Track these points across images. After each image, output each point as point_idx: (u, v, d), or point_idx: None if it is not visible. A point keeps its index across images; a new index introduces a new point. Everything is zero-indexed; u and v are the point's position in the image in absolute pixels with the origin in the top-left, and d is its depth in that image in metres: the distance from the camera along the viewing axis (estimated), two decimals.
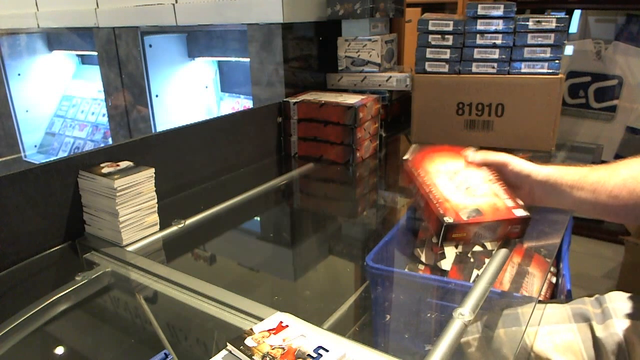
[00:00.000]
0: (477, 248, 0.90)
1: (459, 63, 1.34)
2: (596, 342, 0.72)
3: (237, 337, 0.53)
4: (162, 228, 0.92)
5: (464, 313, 0.60)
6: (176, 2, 1.58)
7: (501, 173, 0.80)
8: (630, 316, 0.73)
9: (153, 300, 0.76)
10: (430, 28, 1.34)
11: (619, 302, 0.76)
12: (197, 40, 1.93)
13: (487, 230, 0.72)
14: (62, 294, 0.73)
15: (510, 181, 0.79)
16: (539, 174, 0.76)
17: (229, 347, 0.52)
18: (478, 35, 1.30)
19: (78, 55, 2.58)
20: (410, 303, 0.76)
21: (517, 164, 0.79)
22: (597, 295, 0.81)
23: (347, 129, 1.25)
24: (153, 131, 1.88)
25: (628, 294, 0.79)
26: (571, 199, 0.73)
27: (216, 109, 2.10)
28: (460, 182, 0.79)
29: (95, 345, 0.70)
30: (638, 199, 0.69)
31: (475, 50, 1.31)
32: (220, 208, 1.03)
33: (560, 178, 0.74)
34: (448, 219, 0.70)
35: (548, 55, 1.27)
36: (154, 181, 0.89)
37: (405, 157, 0.88)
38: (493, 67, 1.31)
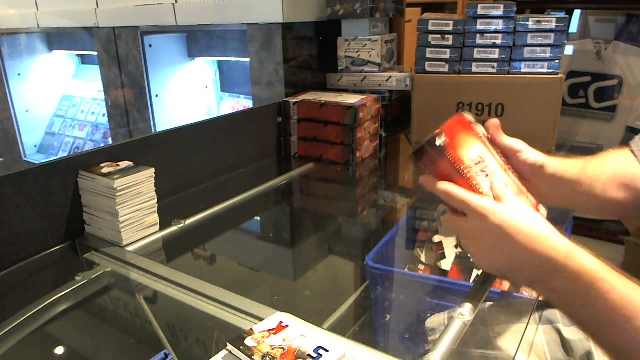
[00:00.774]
0: None
1: (459, 63, 1.34)
2: (565, 344, 0.72)
3: (237, 337, 0.53)
4: (162, 228, 0.92)
5: (464, 313, 0.60)
6: (176, 2, 1.58)
7: (510, 160, 0.73)
8: None
9: (153, 300, 0.76)
10: (430, 28, 1.34)
11: None
12: (197, 40, 1.93)
13: None
14: (62, 294, 0.73)
15: (520, 172, 0.73)
16: (550, 166, 0.71)
17: (229, 347, 0.52)
18: (478, 35, 1.30)
19: (78, 55, 2.58)
20: (410, 303, 0.77)
21: (532, 154, 0.72)
22: None
23: (347, 129, 1.25)
24: (153, 131, 1.88)
25: None
26: (570, 195, 0.73)
27: (216, 109, 2.10)
28: (490, 175, 0.67)
29: (95, 345, 0.70)
30: (627, 191, 0.69)
31: (475, 50, 1.31)
32: (220, 208, 1.03)
33: (564, 172, 0.72)
34: None
35: (548, 55, 1.27)
36: (154, 181, 0.89)
37: (438, 143, 0.63)
38: (493, 67, 1.31)
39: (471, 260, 0.68)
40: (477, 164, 0.65)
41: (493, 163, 0.67)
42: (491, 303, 0.72)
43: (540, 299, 0.76)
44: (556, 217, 0.95)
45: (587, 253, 0.53)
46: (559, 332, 0.73)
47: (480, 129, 0.69)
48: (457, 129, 0.67)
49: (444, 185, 0.62)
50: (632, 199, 0.70)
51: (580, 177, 0.71)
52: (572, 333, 0.72)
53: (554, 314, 0.76)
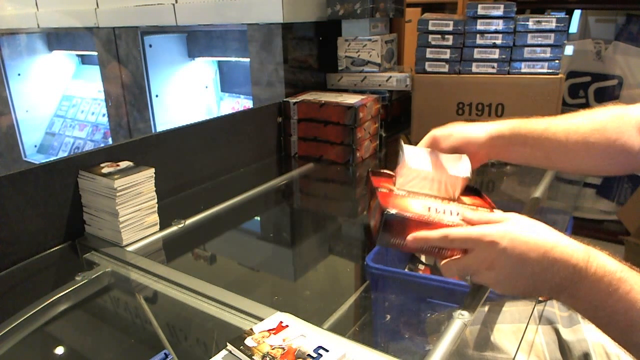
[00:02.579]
0: None
1: (459, 63, 1.34)
2: (563, 345, 0.72)
3: (237, 337, 0.53)
4: (162, 228, 0.92)
5: (464, 313, 0.60)
6: (176, 2, 1.58)
7: (439, 149, 0.74)
8: None
9: (153, 300, 0.76)
10: (430, 28, 1.34)
11: None
12: (197, 40, 1.93)
13: None
14: (62, 294, 0.73)
15: (456, 151, 0.74)
16: (479, 138, 0.73)
17: (229, 347, 0.52)
18: (478, 35, 1.30)
19: (78, 55, 2.58)
20: (410, 303, 0.76)
21: (453, 138, 0.72)
22: None
23: (347, 129, 1.25)
24: (153, 131, 1.88)
25: None
26: (524, 156, 0.74)
27: (216, 109, 2.10)
28: (446, 211, 0.65)
29: (95, 345, 0.70)
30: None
31: (475, 50, 1.31)
32: (220, 208, 1.03)
33: (510, 136, 0.73)
34: None
35: (548, 55, 1.27)
36: (154, 181, 0.89)
37: (394, 212, 0.62)
38: (493, 67, 1.31)
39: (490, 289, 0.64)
40: (429, 210, 0.64)
41: (437, 203, 0.66)
42: (491, 303, 0.73)
43: (540, 299, 0.76)
44: (556, 218, 0.96)
45: (604, 254, 0.52)
46: (557, 332, 0.74)
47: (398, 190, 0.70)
48: (389, 199, 0.67)
49: (438, 232, 0.58)
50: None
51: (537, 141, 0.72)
52: (570, 334, 0.72)
53: (554, 314, 0.76)
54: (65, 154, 1.92)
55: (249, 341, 0.52)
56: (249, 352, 0.51)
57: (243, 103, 2.02)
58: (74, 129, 2.54)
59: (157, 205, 0.90)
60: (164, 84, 1.91)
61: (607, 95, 2.01)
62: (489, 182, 1.20)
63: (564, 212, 0.97)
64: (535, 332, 0.75)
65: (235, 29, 1.72)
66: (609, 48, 1.98)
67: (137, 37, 1.78)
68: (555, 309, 0.78)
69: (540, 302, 0.80)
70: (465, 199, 0.70)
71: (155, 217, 0.90)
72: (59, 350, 0.68)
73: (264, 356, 0.50)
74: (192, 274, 0.76)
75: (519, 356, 0.68)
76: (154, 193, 0.89)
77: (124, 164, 0.89)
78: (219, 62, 2.05)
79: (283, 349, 0.51)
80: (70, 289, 0.74)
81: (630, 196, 1.99)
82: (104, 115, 2.40)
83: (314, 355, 0.50)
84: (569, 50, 2.05)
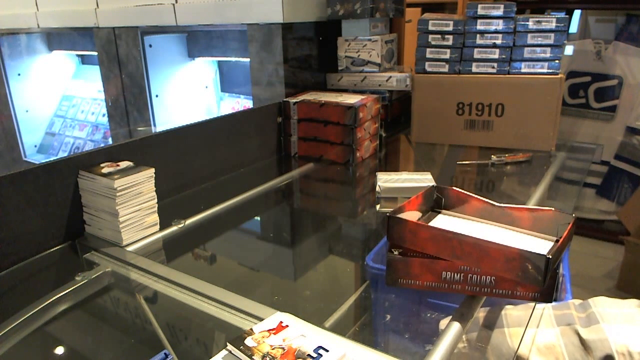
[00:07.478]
0: None
1: (459, 63, 1.34)
2: (584, 345, 0.73)
3: (237, 337, 0.53)
4: (162, 228, 0.92)
5: (464, 313, 0.60)
6: (176, 2, 1.58)
7: None
8: (618, 321, 0.73)
9: (153, 300, 0.75)
10: (430, 28, 1.34)
11: (604, 307, 0.76)
12: (197, 40, 1.93)
13: None
14: (62, 294, 0.73)
15: None
16: None
17: (229, 347, 0.52)
18: (478, 35, 1.30)
19: (78, 55, 2.58)
20: (410, 303, 0.76)
21: None
22: (581, 301, 0.81)
23: (347, 129, 1.25)
24: (153, 131, 1.88)
25: (612, 299, 0.79)
26: None
27: (216, 109, 2.10)
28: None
29: (95, 345, 0.70)
30: None
31: (475, 50, 1.31)
32: (220, 208, 1.03)
33: None
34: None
35: (548, 55, 1.27)
36: (154, 181, 0.89)
37: (396, 253, 0.63)
38: (493, 67, 1.31)
39: None
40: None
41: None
42: (491, 306, 0.73)
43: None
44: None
45: None
46: (577, 333, 0.74)
47: None
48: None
49: None
50: None
51: None
52: (590, 333, 0.73)
53: (571, 315, 0.76)
54: (65, 154, 1.92)
55: (249, 341, 0.52)
56: (249, 352, 0.51)
57: (243, 103, 2.02)
58: (74, 129, 2.54)
59: (157, 205, 0.90)
60: (164, 84, 1.91)
61: (607, 95, 2.01)
62: (489, 182, 1.20)
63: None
64: (555, 334, 0.74)
65: (235, 29, 1.72)
66: (609, 48, 1.98)
67: (137, 37, 1.78)
68: (572, 310, 0.78)
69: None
70: None
71: (155, 217, 0.90)
72: (59, 350, 0.68)
73: (264, 356, 0.50)
74: (192, 274, 0.76)
75: (532, 358, 0.69)
76: (154, 193, 0.89)
77: (124, 164, 0.89)
78: (219, 62, 2.05)
79: (283, 349, 0.51)
80: (70, 289, 0.74)
81: (630, 196, 1.99)
82: (104, 115, 2.40)
83: (314, 355, 0.50)
84: (569, 50, 2.05)
